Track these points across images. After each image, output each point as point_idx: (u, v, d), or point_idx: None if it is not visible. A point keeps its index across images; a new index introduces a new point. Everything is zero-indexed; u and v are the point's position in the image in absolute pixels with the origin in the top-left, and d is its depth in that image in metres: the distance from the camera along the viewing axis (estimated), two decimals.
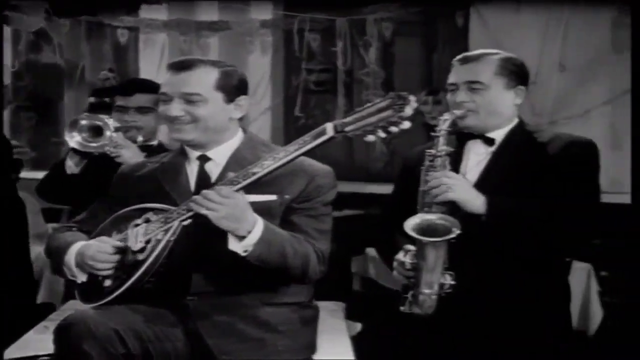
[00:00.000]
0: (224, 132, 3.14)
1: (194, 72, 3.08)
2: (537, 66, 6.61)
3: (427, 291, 3.04)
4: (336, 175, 3.20)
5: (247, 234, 2.88)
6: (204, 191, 2.89)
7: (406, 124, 2.76)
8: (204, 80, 3.08)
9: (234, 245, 2.89)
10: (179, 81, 3.07)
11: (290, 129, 7.73)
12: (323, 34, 7.52)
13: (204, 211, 2.86)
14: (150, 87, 4.35)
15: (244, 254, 2.89)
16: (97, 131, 4.13)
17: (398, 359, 3.36)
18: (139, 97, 4.35)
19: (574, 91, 6.76)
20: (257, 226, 2.90)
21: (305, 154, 2.90)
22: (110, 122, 4.13)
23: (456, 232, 2.97)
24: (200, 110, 3.07)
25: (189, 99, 3.06)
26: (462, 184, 3.13)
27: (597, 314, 5.61)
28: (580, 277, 5.60)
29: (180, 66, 3.10)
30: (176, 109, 3.07)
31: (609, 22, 6.77)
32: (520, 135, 3.33)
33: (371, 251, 5.56)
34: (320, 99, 7.65)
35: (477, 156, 3.32)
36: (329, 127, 2.84)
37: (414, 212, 3.14)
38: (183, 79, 3.08)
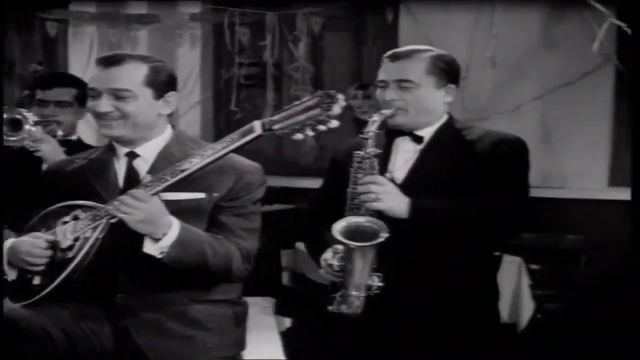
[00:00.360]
0: (153, 128, 3.12)
1: (123, 68, 3.05)
2: (467, 62, 6.62)
3: (355, 293, 3.04)
4: (266, 169, 3.19)
5: (163, 236, 2.87)
6: (120, 196, 2.89)
7: (334, 123, 2.75)
8: (133, 76, 3.05)
9: (149, 247, 2.90)
10: (108, 77, 3.04)
11: (220, 122, 7.70)
12: (253, 28, 7.48)
13: (120, 215, 2.86)
14: (70, 80, 4.30)
15: (160, 256, 2.89)
16: (16, 125, 4.05)
17: (327, 355, 3.35)
18: (58, 91, 4.30)
19: (505, 86, 6.79)
20: (173, 228, 2.90)
21: (233, 151, 2.88)
22: (29, 115, 4.06)
23: (384, 235, 2.97)
24: (129, 106, 3.04)
25: (118, 95, 3.03)
26: (390, 192, 3.11)
27: (528, 307, 5.65)
28: (511, 270, 5.64)
29: (109, 61, 3.06)
30: (105, 104, 3.03)
31: (539, 18, 6.82)
32: (449, 133, 3.32)
33: (301, 245, 5.56)
34: (250, 93, 7.61)
35: (405, 154, 3.31)
36: (257, 125, 2.84)
37: (341, 208, 3.12)
38: (112, 74, 3.04)
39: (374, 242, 2.98)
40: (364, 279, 3.03)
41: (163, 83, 3.10)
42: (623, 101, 6.86)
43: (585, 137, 6.78)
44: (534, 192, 6.15)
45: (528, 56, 6.85)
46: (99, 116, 3.05)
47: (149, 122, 3.09)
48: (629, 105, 6.77)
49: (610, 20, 5.94)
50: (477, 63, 6.75)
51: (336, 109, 2.75)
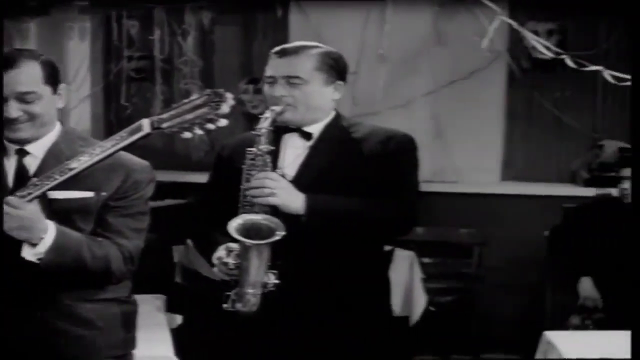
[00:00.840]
0: (51, 124, 3.04)
1: (22, 70, 2.95)
2: (358, 57, 6.65)
3: (251, 291, 3.01)
4: (157, 164, 3.14)
5: (40, 241, 2.82)
6: None
7: (223, 122, 2.73)
8: (33, 76, 2.94)
9: (26, 253, 2.83)
10: (10, 81, 2.94)
11: (110, 116, 7.58)
12: (142, 21, 7.38)
13: None
14: None
15: (37, 262, 2.83)
16: None
17: (218, 352, 3.33)
18: None
19: (397, 82, 6.83)
20: (49, 234, 2.83)
21: (122, 149, 2.83)
22: None
23: (280, 234, 2.95)
24: (36, 107, 2.95)
25: (23, 99, 2.94)
26: (284, 188, 3.09)
27: (420, 300, 5.70)
28: (404, 264, 5.68)
29: (6, 65, 2.97)
30: (14, 109, 2.93)
31: (430, 15, 6.87)
32: (337, 130, 3.30)
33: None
34: (140, 86, 7.51)
35: (294, 150, 3.29)
36: (146, 124, 2.79)
37: (230, 205, 3.10)
38: (13, 78, 2.95)
39: (271, 240, 2.96)
40: (260, 277, 3.01)
41: (55, 77, 3.03)
42: (515, 97, 6.98)
43: (478, 133, 6.87)
44: (427, 187, 6.25)
45: (419, 52, 6.90)
46: (9, 122, 2.97)
47: (51, 118, 3.02)
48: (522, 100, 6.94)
49: (500, 17, 6.02)
50: (368, 58, 6.78)
51: (225, 108, 2.73)
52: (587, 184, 6.67)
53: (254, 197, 3.06)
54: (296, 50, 3.25)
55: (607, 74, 5.55)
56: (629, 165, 5.36)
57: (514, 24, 6.14)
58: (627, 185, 5.23)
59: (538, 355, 3.43)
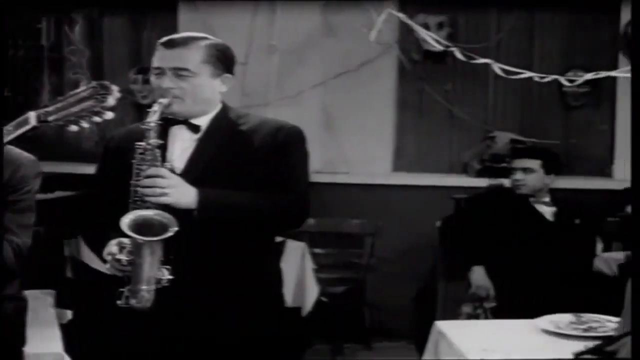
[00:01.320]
0: None
1: None
2: (247, 48, 6.63)
3: (144, 287, 2.98)
4: (47, 155, 3.10)
5: None
6: None
7: (109, 114, 2.70)
8: None
9: None
10: None
11: None
12: (29, 9, 7.23)
13: None
14: None
15: None
16: None
17: (110, 347, 3.28)
18: None
19: (286, 73, 6.83)
20: None
21: (9, 143, 2.77)
22: None
23: (173, 229, 2.92)
24: None
25: None
26: (176, 186, 3.06)
27: (312, 290, 5.72)
28: (295, 255, 5.69)
29: None
30: None
31: (320, 6, 6.88)
32: (225, 122, 3.29)
33: None
34: (28, 76, 7.36)
35: (182, 143, 3.26)
36: (32, 117, 2.75)
37: (120, 199, 3.05)
38: None
39: (163, 236, 2.93)
40: (154, 273, 2.98)
41: None
42: (405, 88, 7.04)
43: (369, 124, 6.91)
44: (318, 178, 6.28)
45: (309, 43, 6.91)
46: None
47: None
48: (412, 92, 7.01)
49: (389, 10, 6.06)
50: (258, 50, 6.76)
51: (110, 101, 2.70)
52: (479, 174, 6.77)
53: (145, 194, 3.03)
54: (184, 42, 3.21)
55: (497, 67, 5.65)
56: (522, 157, 5.47)
57: (403, 17, 6.19)
58: (519, 176, 5.33)
59: (429, 344, 3.46)
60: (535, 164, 5.37)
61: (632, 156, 2.51)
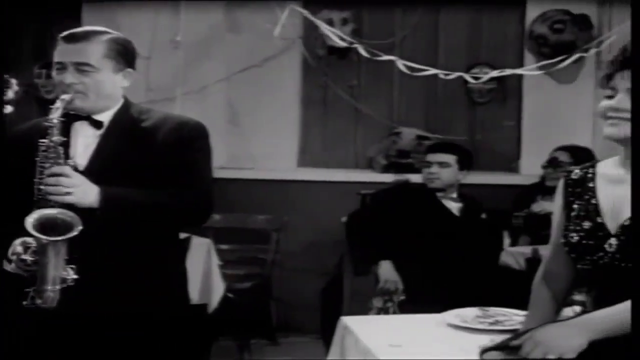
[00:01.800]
0: None
1: None
2: (151, 42, 6.56)
3: (50, 287, 2.93)
4: None
5: None
6: None
7: (8, 108, 2.63)
8: None
9: None
10: None
11: None
12: None
13: None
14: None
15: None
16: None
17: (14, 347, 3.21)
18: None
19: (191, 68, 6.78)
20: None
21: None
22: None
23: (78, 228, 2.88)
24: None
25: None
26: (79, 185, 3.01)
27: (218, 287, 5.68)
28: (201, 252, 5.64)
29: None
30: None
31: (223, 2, 6.85)
32: (128, 118, 3.25)
33: None
34: None
35: (85, 139, 3.21)
36: None
37: (23, 197, 2.99)
38: None
39: (68, 235, 2.89)
40: (59, 272, 2.93)
41: None
42: (310, 84, 7.04)
43: (274, 119, 6.90)
44: (223, 174, 6.24)
45: (213, 39, 6.87)
46: None
47: None
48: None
49: (292, 6, 6.06)
50: (162, 45, 6.70)
51: (9, 94, 2.64)
52: (385, 170, 6.81)
53: (49, 193, 2.97)
54: (85, 36, 3.16)
55: (401, 64, 5.67)
56: (438, 151, 5.49)
57: (305, 13, 6.19)
58: (434, 169, 5.36)
59: (335, 340, 3.45)
60: (451, 158, 5.42)
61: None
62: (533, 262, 5.22)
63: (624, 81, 2.51)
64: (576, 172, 2.74)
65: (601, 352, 2.34)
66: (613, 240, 2.53)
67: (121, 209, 3.06)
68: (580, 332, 2.34)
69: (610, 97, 2.55)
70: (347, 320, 3.43)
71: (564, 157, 5.96)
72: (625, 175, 2.59)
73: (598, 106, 2.60)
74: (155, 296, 3.18)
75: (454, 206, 5.47)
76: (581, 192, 2.69)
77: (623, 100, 2.50)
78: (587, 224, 2.61)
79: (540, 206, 5.85)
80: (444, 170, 5.39)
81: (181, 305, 3.37)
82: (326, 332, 4.85)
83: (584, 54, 5.75)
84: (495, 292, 5.05)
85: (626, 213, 2.53)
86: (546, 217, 5.66)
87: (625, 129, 2.50)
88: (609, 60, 2.60)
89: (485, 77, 5.91)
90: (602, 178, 2.67)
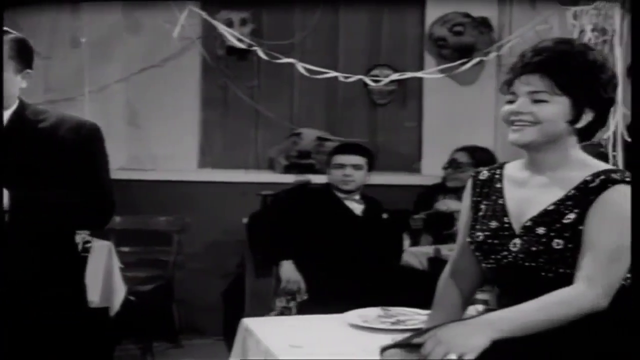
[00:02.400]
0: None
1: None
2: (51, 42, 6.46)
3: None
4: None
5: None
6: None
7: None
8: None
9: None
10: None
11: None
12: None
13: None
14: None
15: None
16: None
17: None
18: None
19: (91, 68, 6.67)
20: None
21: None
22: None
23: None
24: None
25: None
26: None
27: (120, 289, 5.62)
28: (101, 255, 5.56)
29: None
30: None
31: (122, 2, 6.78)
32: (24, 119, 3.20)
33: None
34: None
35: None
36: None
37: None
38: None
39: None
40: None
41: None
42: (210, 84, 7.00)
43: (174, 119, 6.85)
44: (124, 175, 6.18)
45: (112, 38, 6.79)
46: None
47: None
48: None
49: (190, 7, 6.03)
50: (61, 44, 6.60)
51: None
52: (286, 171, 6.81)
53: None
54: None
55: (300, 66, 5.67)
56: (351, 153, 5.50)
57: (203, 14, 6.16)
58: (349, 171, 5.39)
59: (236, 341, 3.44)
60: (363, 160, 5.47)
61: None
62: (435, 261, 5.28)
63: (524, 86, 2.58)
64: (484, 173, 2.82)
65: (503, 352, 2.35)
66: (517, 240, 2.59)
67: (29, 211, 3.02)
68: (482, 332, 2.35)
69: (511, 102, 2.61)
70: (248, 322, 3.42)
71: (463, 158, 6.04)
72: (530, 177, 2.67)
73: (500, 111, 2.66)
74: (54, 300, 3.14)
75: (356, 207, 5.50)
76: (489, 192, 2.76)
77: (524, 104, 2.57)
78: (493, 224, 2.67)
79: (445, 204, 5.91)
80: (357, 172, 5.42)
81: (81, 309, 3.33)
82: (228, 334, 4.84)
83: (484, 58, 5.83)
84: (398, 291, 5.10)
85: (528, 214, 2.59)
86: (448, 217, 5.75)
87: (528, 134, 2.58)
88: (509, 67, 2.66)
89: (385, 81, 5.95)
90: (509, 180, 2.74)
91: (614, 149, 3.76)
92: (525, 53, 2.61)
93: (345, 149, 5.62)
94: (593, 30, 4.91)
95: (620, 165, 3.75)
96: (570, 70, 2.55)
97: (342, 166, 5.44)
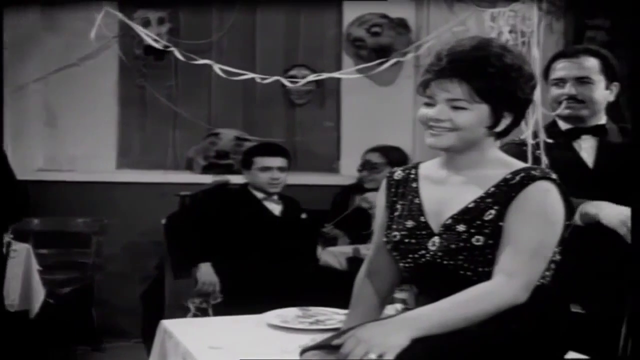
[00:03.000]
0: None
1: None
2: None
3: None
4: None
5: None
6: None
7: None
8: None
9: None
10: None
11: None
12: None
13: None
14: None
15: None
16: None
17: None
18: None
19: (7, 67, 6.58)
20: None
21: None
22: None
23: None
24: None
25: None
26: None
27: (38, 292, 5.56)
28: (19, 257, 5.51)
29: None
30: None
31: (39, 2, 6.70)
32: None
33: None
34: None
35: None
36: None
37: None
38: None
39: None
40: None
41: None
42: (127, 85, 6.96)
43: (92, 120, 6.79)
44: (41, 176, 6.12)
45: (30, 38, 6.71)
46: None
47: None
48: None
49: (106, 8, 5.98)
50: None
51: None
52: (204, 171, 6.79)
53: None
54: None
55: (217, 68, 5.66)
56: (276, 155, 5.52)
57: (119, 15, 6.11)
58: (277, 174, 5.42)
59: (155, 343, 3.43)
60: (286, 162, 5.51)
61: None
62: (354, 261, 5.32)
63: (442, 92, 2.55)
64: (399, 172, 2.81)
65: (424, 350, 2.35)
66: (436, 239, 2.58)
67: None
68: (401, 330, 2.35)
69: (429, 104, 2.59)
70: (167, 323, 3.42)
71: (377, 158, 6.09)
72: (448, 177, 2.67)
73: (417, 113, 2.64)
74: None
75: (275, 207, 5.53)
76: (404, 192, 2.75)
77: (442, 111, 2.55)
78: (410, 223, 2.66)
79: (366, 200, 5.95)
80: (282, 174, 5.47)
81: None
82: (148, 336, 4.82)
83: (402, 58, 5.88)
84: (316, 291, 5.13)
85: (448, 213, 2.60)
86: (366, 216, 5.80)
87: (446, 140, 2.58)
88: (424, 68, 2.63)
89: (302, 81, 5.96)
90: (425, 179, 2.74)
91: (538, 148, 3.81)
92: (441, 55, 2.57)
93: (270, 150, 5.64)
94: (510, 32, 4.97)
95: (544, 165, 3.79)
96: (489, 77, 2.53)
97: (268, 169, 5.47)
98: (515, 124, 2.64)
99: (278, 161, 5.50)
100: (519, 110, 2.62)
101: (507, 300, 2.44)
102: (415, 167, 2.81)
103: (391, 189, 2.79)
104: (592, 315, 3.23)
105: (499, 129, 2.61)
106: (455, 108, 2.55)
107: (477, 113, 2.55)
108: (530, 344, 2.53)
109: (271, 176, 5.46)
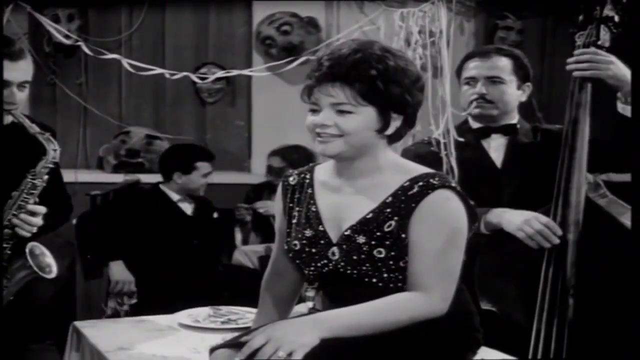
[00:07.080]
0: None
1: None
2: None
3: None
4: None
5: None
6: None
7: None
8: None
9: None
10: None
11: None
12: None
13: None
14: None
15: None
16: None
17: None
18: None
19: None
20: None
21: None
22: None
23: None
24: None
25: None
26: None
27: None
28: None
29: None
30: None
31: None
32: None
33: None
34: None
35: None
36: None
37: None
38: None
39: None
40: None
41: None
42: (38, 81, 6.85)
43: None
44: None
45: None
46: None
47: None
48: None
49: (17, 1, 5.90)
50: None
51: None
52: (115, 170, 6.73)
53: None
54: None
55: (126, 63, 5.63)
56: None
57: (28, 7, 6.04)
58: (209, 178, 5.43)
59: (68, 345, 3.41)
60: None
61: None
62: (266, 260, 5.32)
63: (326, 97, 2.50)
64: (294, 177, 2.76)
65: (334, 350, 2.37)
66: (335, 249, 2.56)
67: None
68: (312, 329, 2.35)
69: (314, 111, 2.55)
70: (79, 325, 3.40)
71: (277, 163, 6.10)
72: (343, 184, 2.62)
73: (305, 121, 2.59)
74: None
75: (187, 206, 5.53)
76: (300, 198, 2.70)
77: (328, 116, 2.50)
78: (309, 232, 2.62)
79: (264, 204, 5.96)
80: (209, 177, 5.50)
81: None
82: (60, 338, 4.77)
83: (311, 57, 5.91)
84: (228, 290, 5.14)
85: (347, 222, 2.56)
86: (265, 219, 5.83)
87: (335, 146, 2.52)
88: (306, 74, 2.57)
89: (211, 78, 5.96)
90: (320, 185, 2.69)
91: (446, 148, 3.84)
92: (322, 60, 2.51)
93: (209, 155, 5.66)
94: (420, 32, 5.02)
95: (454, 165, 3.83)
96: (371, 79, 2.46)
97: (209, 174, 5.50)
98: (408, 125, 2.59)
99: (209, 166, 5.56)
100: (409, 112, 2.56)
101: (423, 314, 2.45)
102: (311, 170, 2.75)
103: (287, 194, 2.74)
104: (504, 315, 3.28)
105: (389, 131, 2.55)
106: (341, 112, 2.49)
107: (363, 116, 2.49)
108: (439, 342, 2.56)
109: (207, 181, 5.51)
